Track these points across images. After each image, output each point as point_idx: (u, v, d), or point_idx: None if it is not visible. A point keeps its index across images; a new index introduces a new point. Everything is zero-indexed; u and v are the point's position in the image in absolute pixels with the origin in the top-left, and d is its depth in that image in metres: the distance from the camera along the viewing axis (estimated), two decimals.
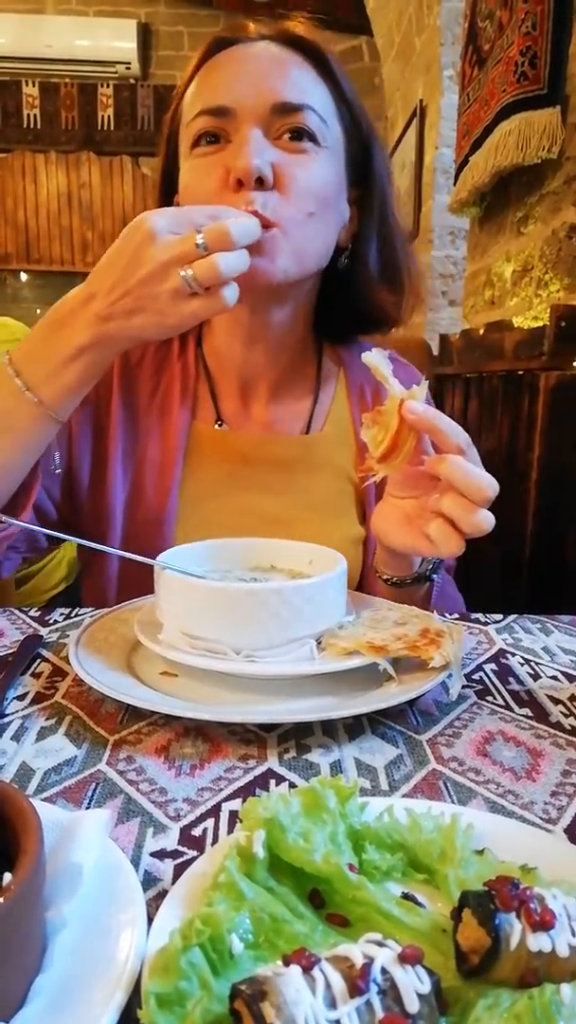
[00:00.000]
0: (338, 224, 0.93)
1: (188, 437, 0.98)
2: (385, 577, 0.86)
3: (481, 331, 1.89)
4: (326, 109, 0.88)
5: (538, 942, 0.34)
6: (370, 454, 0.71)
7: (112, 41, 5.97)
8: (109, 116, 6.21)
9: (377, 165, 0.95)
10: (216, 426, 1.00)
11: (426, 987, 0.31)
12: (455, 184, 2.49)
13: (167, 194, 0.97)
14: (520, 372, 1.62)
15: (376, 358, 0.70)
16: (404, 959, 0.32)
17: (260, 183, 0.82)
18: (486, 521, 0.67)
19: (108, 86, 6.15)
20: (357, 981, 0.30)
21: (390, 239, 0.99)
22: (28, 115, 6.20)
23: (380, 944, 0.33)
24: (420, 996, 0.31)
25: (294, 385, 1.04)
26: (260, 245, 0.81)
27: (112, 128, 6.23)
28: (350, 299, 1.00)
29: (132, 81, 6.14)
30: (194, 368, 1.02)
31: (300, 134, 0.84)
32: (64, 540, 0.73)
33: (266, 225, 0.81)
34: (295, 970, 0.31)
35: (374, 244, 0.98)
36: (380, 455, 0.70)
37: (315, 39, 0.89)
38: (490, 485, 0.66)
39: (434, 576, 0.87)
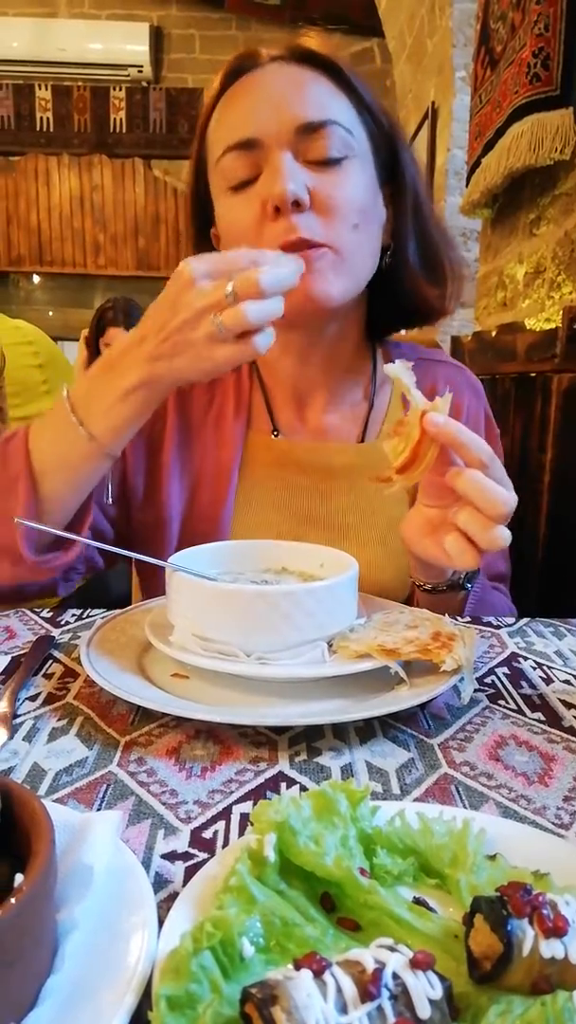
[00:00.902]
0: (380, 228, 0.93)
1: (243, 447, 0.99)
2: (419, 584, 0.86)
3: (493, 333, 1.88)
4: (349, 119, 0.88)
5: (551, 948, 0.33)
6: (389, 464, 0.70)
7: (124, 44, 6.00)
8: (121, 119, 6.24)
9: (405, 160, 0.96)
10: (272, 436, 1.00)
11: (438, 993, 0.31)
12: (467, 186, 2.48)
13: (201, 214, 0.98)
14: (532, 374, 1.61)
15: (399, 370, 0.70)
16: (416, 964, 0.32)
17: (297, 206, 0.83)
18: (501, 537, 0.67)
19: (120, 89, 6.18)
20: (368, 986, 0.30)
21: (427, 230, 0.99)
22: (41, 118, 6.24)
23: (392, 949, 0.32)
24: (432, 1002, 0.31)
25: (349, 392, 1.04)
26: (314, 266, 0.84)
27: (124, 131, 6.26)
28: (396, 296, 1.00)
29: (144, 84, 6.17)
30: (248, 380, 1.03)
31: (329, 151, 0.85)
32: (122, 556, 0.74)
33: (315, 246, 0.83)
34: (306, 974, 0.31)
35: (412, 238, 0.98)
36: (399, 466, 0.69)
37: (327, 50, 0.89)
38: (506, 502, 0.66)
39: (468, 585, 0.86)
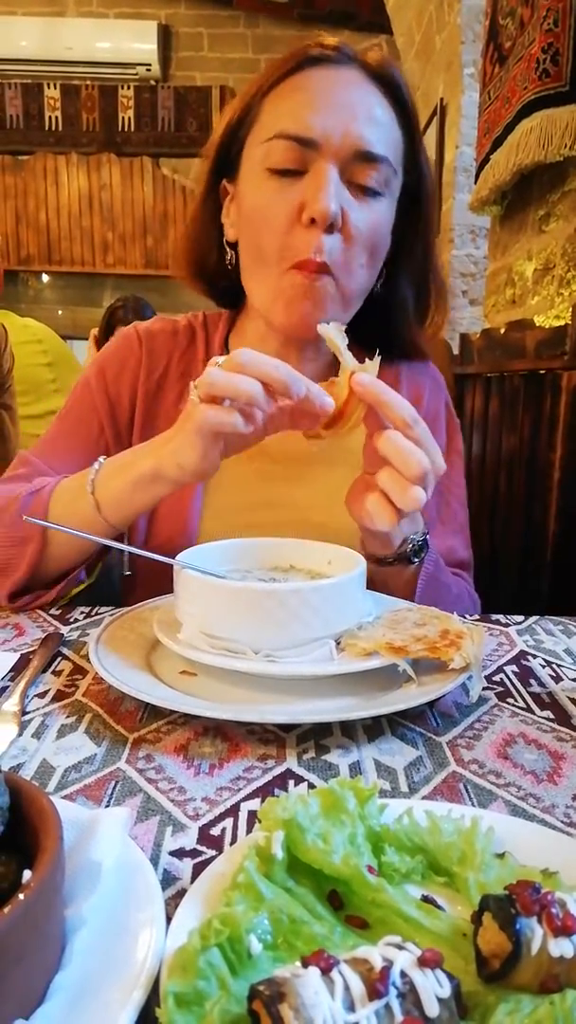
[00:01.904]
0: (382, 260, 0.95)
1: None
2: (368, 556, 0.86)
3: (502, 330, 1.87)
4: (397, 156, 0.90)
5: (559, 947, 0.33)
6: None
7: (132, 43, 6.01)
8: (130, 117, 6.25)
9: (426, 199, 0.97)
10: None
11: (446, 991, 0.31)
12: (476, 182, 2.47)
13: (216, 179, 0.98)
14: (542, 371, 1.61)
15: (331, 330, 0.73)
16: (424, 963, 0.31)
17: (331, 226, 0.85)
18: (417, 498, 0.69)
19: (129, 87, 6.19)
20: (376, 984, 0.30)
21: (431, 260, 1.02)
22: (50, 117, 6.26)
23: (399, 947, 0.32)
24: (440, 1000, 0.31)
25: (316, 381, 1.05)
26: (319, 293, 0.87)
27: (132, 129, 6.27)
28: (380, 326, 1.02)
29: (152, 82, 6.18)
30: None
31: (373, 183, 0.87)
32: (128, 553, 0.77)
33: (324, 271, 0.86)
34: (314, 972, 0.31)
35: (418, 268, 1.00)
36: (326, 422, 0.72)
37: (396, 75, 0.90)
38: (421, 462, 0.69)
39: (414, 559, 0.86)
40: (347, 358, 0.71)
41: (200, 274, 1.06)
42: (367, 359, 0.71)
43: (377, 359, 0.71)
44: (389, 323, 1.03)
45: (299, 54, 0.89)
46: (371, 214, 0.88)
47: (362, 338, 1.06)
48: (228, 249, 0.98)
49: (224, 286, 1.03)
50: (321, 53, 0.88)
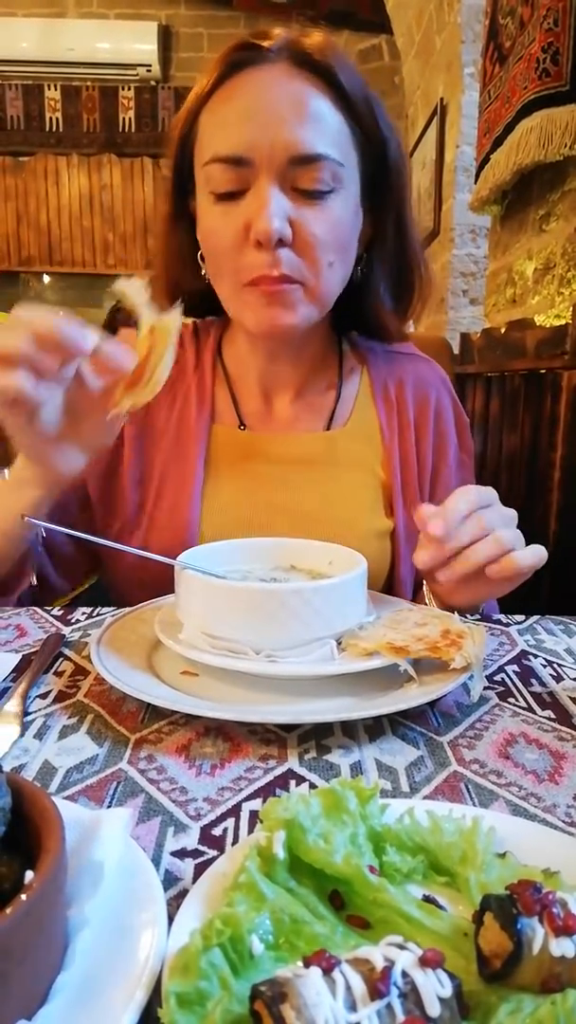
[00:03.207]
0: (354, 252, 0.94)
1: (208, 442, 0.99)
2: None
3: (503, 329, 1.87)
4: (342, 144, 0.87)
5: (561, 947, 0.33)
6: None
7: (133, 44, 6.00)
8: (130, 118, 6.25)
9: (393, 171, 0.95)
10: (239, 429, 1.02)
11: (447, 991, 0.31)
12: (476, 182, 2.47)
13: (181, 196, 0.98)
14: (542, 371, 1.61)
15: (128, 285, 0.68)
16: (425, 962, 0.31)
17: (280, 242, 0.84)
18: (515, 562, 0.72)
19: (129, 88, 6.19)
20: (377, 984, 0.30)
21: (405, 243, 0.99)
22: (50, 118, 6.26)
23: (401, 947, 0.32)
24: (441, 1000, 0.31)
25: (316, 381, 1.06)
26: (284, 300, 0.87)
27: (133, 130, 6.27)
28: (358, 308, 1.02)
29: (153, 83, 6.17)
30: (210, 375, 1.04)
31: (318, 184, 0.85)
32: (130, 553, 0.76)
33: (286, 282, 0.86)
34: (315, 972, 0.31)
35: (388, 252, 0.98)
36: (126, 382, 0.68)
37: (329, 57, 0.86)
38: (501, 545, 0.72)
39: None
40: (144, 313, 0.67)
41: (177, 295, 1.02)
42: (164, 315, 0.67)
43: (177, 310, 0.67)
44: (365, 308, 1.02)
45: (224, 59, 0.86)
46: (324, 215, 0.86)
47: (342, 322, 1.07)
48: (202, 263, 0.96)
49: (205, 299, 1.00)
50: (244, 56, 0.85)
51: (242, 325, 0.94)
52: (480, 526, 0.72)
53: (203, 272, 0.96)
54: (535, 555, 0.74)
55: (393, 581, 1.00)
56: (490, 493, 0.77)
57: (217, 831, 0.48)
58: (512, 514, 0.77)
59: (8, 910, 0.30)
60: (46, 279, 6.66)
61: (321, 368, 1.06)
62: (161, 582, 0.78)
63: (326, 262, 0.87)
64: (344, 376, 1.07)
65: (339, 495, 1.00)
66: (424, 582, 0.90)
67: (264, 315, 0.89)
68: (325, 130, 0.85)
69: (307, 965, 0.31)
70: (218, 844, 0.47)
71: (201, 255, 0.96)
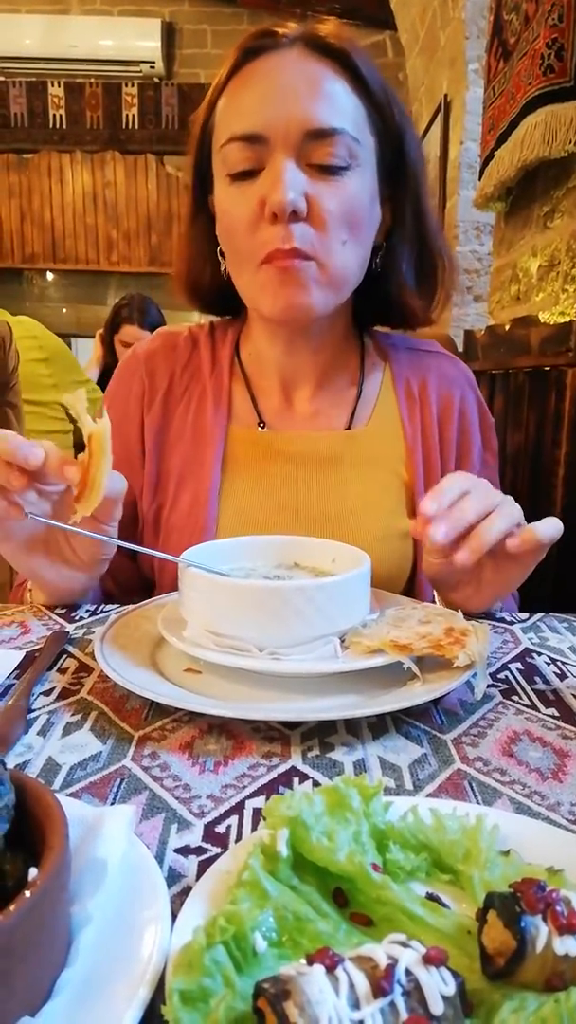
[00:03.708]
0: (372, 235, 0.94)
1: (226, 442, 0.99)
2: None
3: (507, 327, 1.87)
4: (358, 123, 0.87)
5: (564, 945, 0.33)
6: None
7: (136, 40, 5.99)
8: (134, 115, 6.24)
9: (410, 160, 0.95)
10: (259, 428, 1.01)
11: (451, 989, 0.31)
12: (480, 179, 2.47)
13: (202, 193, 0.98)
14: (547, 368, 1.60)
15: (69, 399, 0.69)
16: (429, 960, 0.31)
17: (295, 215, 0.84)
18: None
19: (132, 85, 6.18)
20: (381, 982, 0.30)
21: (424, 231, 0.99)
22: (54, 115, 6.25)
23: (404, 945, 0.32)
24: (445, 998, 0.31)
25: (337, 379, 1.05)
26: (299, 277, 0.86)
27: (136, 127, 6.26)
28: (381, 298, 1.01)
29: (156, 80, 6.16)
30: (227, 375, 1.03)
31: (333, 159, 0.85)
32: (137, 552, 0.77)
33: (305, 257, 0.85)
34: (318, 970, 0.31)
35: (408, 243, 0.98)
36: (76, 495, 0.70)
37: (344, 42, 0.88)
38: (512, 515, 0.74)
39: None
40: (85, 422, 0.69)
41: (197, 292, 1.05)
42: (98, 419, 0.69)
43: (106, 416, 0.68)
44: (388, 294, 1.01)
45: (240, 48, 0.88)
46: (340, 190, 0.86)
47: (366, 312, 1.06)
48: (222, 259, 0.98)
49: (224, 297, 1.02)
50: (258, 43, 0.87)
51: (259, 312, 0.94)
52: (484, 501, 0.72)
53: (222, 268, 0.97)
54: (554, 526, 0.74)
55: (415, 582, 0.99)
56: (486, 483, 0.77)
57: (220, 828, 0.48)
58: (511, 500, 0.77)
59: (12, 907, 0.30)
60: (49, 276, 6.66)
61: (341, 363, 1.05)
62: None
63: (340, 239, 0.87)
64: (366, 373, 1.05)
65: (359, 495, 0.98)
66: (436, 595, 0.90)
67: (280, 295, 0.88)
68: (340, 107, 0.86)
69: (310, 963, 0.31)
70: (221, 841, 0.47)
71: (220, 251, 0.96)
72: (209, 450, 0.98)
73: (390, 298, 1.01)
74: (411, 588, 0.99)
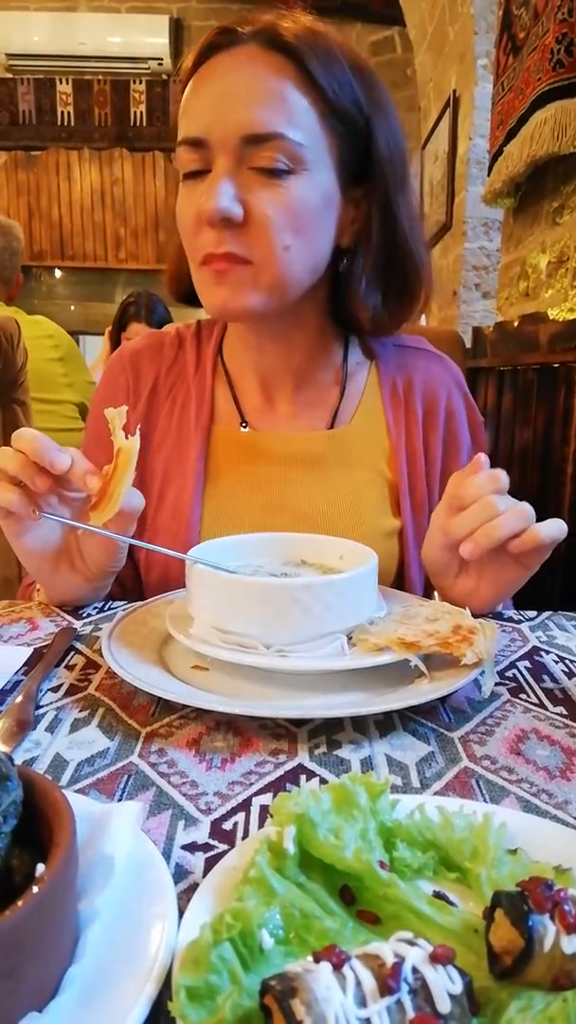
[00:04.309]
0: (326, 239, 0.90)
1: (208, 443, 0.99)
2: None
3: (516, 323, 1.86)
4: (307, 124, 0.84)
5: (572, 944, 0.33)
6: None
7: (144, 37, 5.99)
8: (141, 112, 6.24)
9: (378, 158, 0.90)
10: (241, 428, 1.01)
11: (458, 987, 0.31)
12: (489, 175, 2.45)
13: None
14: (555, 365, 1.60)
15: (110, 413, 0.71)
16: (436, 959, 0.31)
17: (228, 222, 0.82)
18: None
19: (140, 82, 6.18)
20: (388, 980, 0.30)
21: (393, 233, 0.94)
22: (62, 112, 6.26)
23: (411, 943, 0.32)
24: (452, 996, 0.31)
25: (318, 378, 1.04)
26: (232, 280, 0.85)
27: (144, 124, 6.26)
28: (342, 303, 0.98)
29: (164, 77, 6.16)
30: (210, 376, 1.03)
31: (273, 163, 0.82)
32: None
33: (238, 262, 0.84)
34: (325, 967, 0.31)
35: (374, 241, 0.93)
36: (91, 505, 0.71)
37: (300, 37, 0.84)
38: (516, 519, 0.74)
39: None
40: (118, 436, 0.70)
41: (179, 286, 1.04)
42: (129, 436, 0.71)
43: (137, 435, 0.70)
44: (346, 295, 0.96)
45: (200, 46, 0.87)
46: (281, 195, 0.83)
47: (339, 316, 1.02)
48: None
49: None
50: (218, 40, 0.86)
51: (205, 310, 0.93)
52: (493, 508, 0.74)
53: None
54: (558, 528, 0.74)
55: (402, 581, 0.99)
56: (503, 477, 0.78)
57: (227, 825, 0.48)
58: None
59: (20, 903, 0.30)
60: (57, 273, 6.67)
61: (321, 362, 1.03)
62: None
63: (280, 244, 0.84)
64: (350, 371, 1.05)
65: (343, 495, 0.98)
66: (436, 593, 0.90)
67: (215, 295, 0.87)
68: (283, 109, 0.82)
69: (317, 960, 0.31)
70: (228, 838, 0.47)
71: None
72: (192, 451, 0.98)
73: (344, 304, 0.97)
74: (399, 587, 0.99)
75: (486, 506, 0.74)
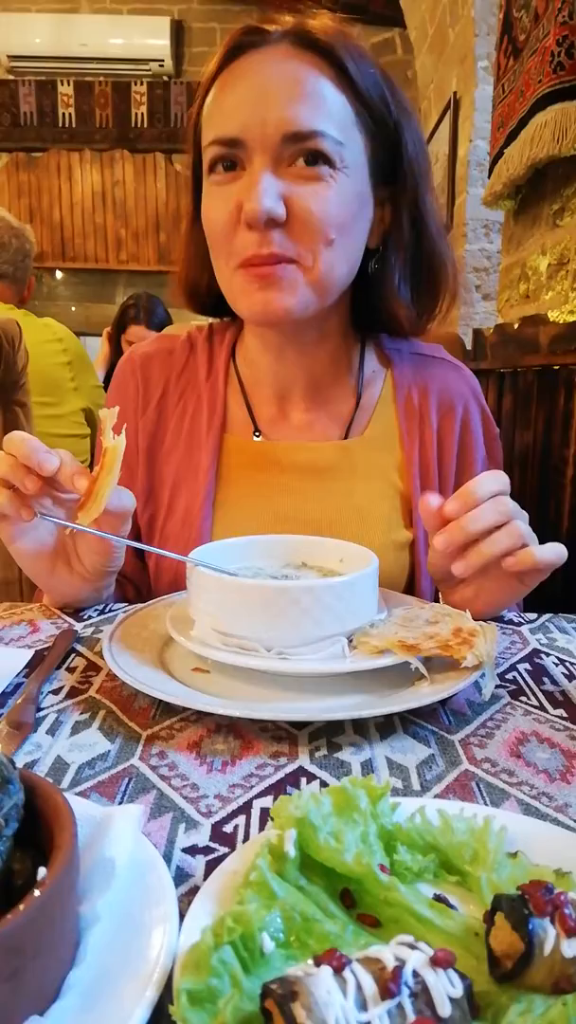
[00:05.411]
0: (361, 239, 0.91)
1: (220, 451, 0.99)
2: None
3: (516, 325, 1.86)
4: (344, 123, 0.84)
5: (572, 948, 0.33)
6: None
7: (145, 39, 6.00)
8: (143, 113, 6.25)
9: (407, 159, 0.92)
10: (254, 437, 1.00)
11: (458, 991, 0.31)
12: (489, 177, 2.46)
13: (199, 190, 0.97)
14: (555, 367, 1.60)
15: (104, 413, 0.72)
16: (436, 962, 0.31)
17: (272, 222, 0.82)
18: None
19: (142, 84, 6.18)
20: (388, 983, 0.30)
21: (423, 235, 0.96)
22: (63, 114, 6.26)
23: (412, 946, 0.32)
24: (452, 1000, 0.31)
25: (333, 387, 1.03)
26: (278, 281, 0.85)
27: (145, 125, 6.26)
28: (373, 303, 0.99)
29: (165, 78, 6.17)
30: (223, 384, 1.02)
31: (314, 160, 0.83)
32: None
33: (284, 260, 0.84)
34: (326, 971, 0.31)
35: (404, 243, 0.95)
36: (79, 505, 0.71)
37: (332, 36, 0.84)
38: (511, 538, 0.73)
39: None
40: (108, 436, 0.70)
41: (195, 294, 1.04)
42: (115, 437, 0.70)
43: (122, 435, 0.70)
44: (378, 300, 0.98)
45: (227, 45, 0.86)
46: (321, 193, 0.83)
47: (364, 317, 1.03)
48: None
49: (222, 299, 0.98)
50: (246, 40, 0.85)
51: (239, 314, 0.92)
52: (501, 511, 0.72)
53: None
54: (555, 552, 0.73)
55: (412, 592, 0.98)
56: (502, 479, 0.76)
57: (228, 828, 0.48)
58: (525, 515, 0.77)
59: (21, 907, 0.30)
60: (59, 275, 6.68)
61: (338, 370, 1.03)
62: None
63: (323, 242, 0.84)
64: (365, 381, 1.04)
65: (355, 505, 0.98)
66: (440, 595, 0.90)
67: (257, 299, 0.86)
68: (322, 108, 0.83)
69: (318, 964, 0.31)
70: (229, 841, 0.47)
71: None
72: (203, 458, 0.98)
73: (379, 304, 0.98)
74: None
75: (471, 519, 0.72)
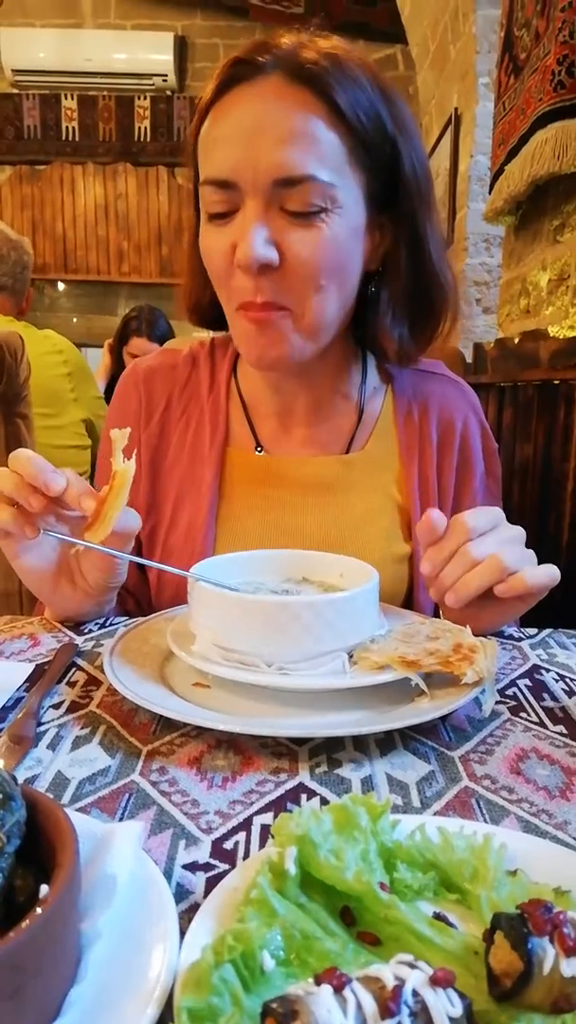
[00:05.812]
0: (356, 271, 0.90)
1: (223, 466, 0.99)
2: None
3: (516, 340, 1.87)
4: (336, 162, 0.82)
5: (571, 967, 0.33)
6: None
7: (149, 54, 6.05)
8: (146, 128, 6.30)
9: (405, 182, 0.90)
10: (256, 451, 1.01)
11: (458, 1010, 0.31)
12: (490, 192, 2.47)
13: (199, 208, 0.98)
14: (556, 382, 1.60)
15: (115, 433, 0.72)
16: (436, 982, 0.32)
17: (266, 267, 0.82)
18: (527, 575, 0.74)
19: (145, 98, 6.24)
20: (388, 1003, 0.30)
21: (421, 258, 0.94)
22: (67, 127, 6.31)
23: (412, 966, 0.33)
24: (451, 1019, 0.31)
25: (335, 403, 1.03)
26: (272, 328, 0.86)
27: (148, 139, 6.31)
28: (368, 330, 0.99)
29: (168, 93, 6.22)
30: (224, 398, 1.03)
31: (306, 206, 0.82)
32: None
33: (279, 308, 0.85)
34: (326, 990, 0.31)
35: (401, 267, 0.94)
36: (86, 525, 0.72)
37: (323, 67, 0.81)
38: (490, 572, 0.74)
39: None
40: (117, 458, 0.70)
41: (198, 309, 1.04)
42: (124, 460, 0.71)
43: (132, 459, 0.71)
44: (371, 323, 0.97)
45: (220, 75, 0.84)
46: (314, 236, 0.82)
47: (362, 331, 1.02)
48: None
49: (220, 315, 0.98)
50: (238, 71, 0.82)
51: (241, 355, 0.92)
52: (469, 558, 0.73)
53: None
54: (547, 575, 0.74)
55: (411, 606, 0.99)
56: (494, 515, 0.77)
57: (228, 844, 0.49)
58: (518, 533, 0.77)
59: (24, 924, 0.30)
60: (61, 287, 6.71)
61: (339, 385, 1.03)
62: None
63: (315, 286, 0.84)
64: (367, 396, 1.04)
65: (355, 520, 0.98)
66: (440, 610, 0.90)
67: (253, 345, 0.88)
68: (314, 150, 0.81)
69: (318, 982, 0.31)
70: (229, 858, 0.47)
71: None
72: (206, 473, 0.98)
73: (370, 331, 0.98)
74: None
75: (461, 555, 0.74)
